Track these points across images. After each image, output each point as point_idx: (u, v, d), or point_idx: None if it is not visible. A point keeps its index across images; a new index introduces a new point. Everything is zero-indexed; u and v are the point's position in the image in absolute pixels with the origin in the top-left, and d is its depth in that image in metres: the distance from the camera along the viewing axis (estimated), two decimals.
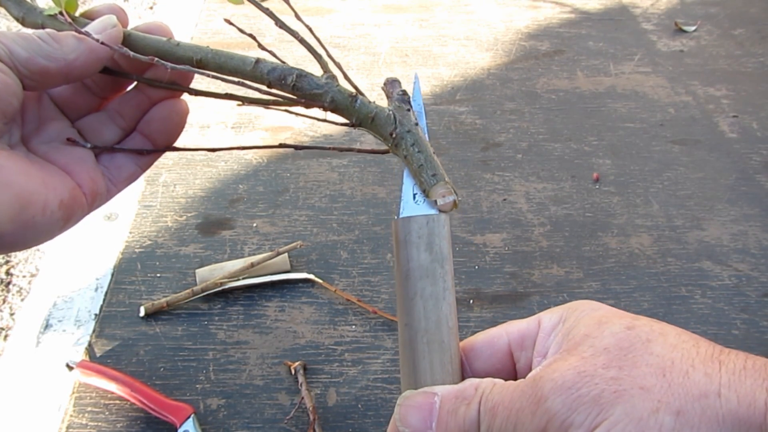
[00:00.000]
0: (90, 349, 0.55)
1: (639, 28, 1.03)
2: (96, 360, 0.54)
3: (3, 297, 1.37)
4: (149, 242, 0.65)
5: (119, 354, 0.55)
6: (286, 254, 0.62)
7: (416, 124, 0.33)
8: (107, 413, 0.51)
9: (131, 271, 0.62)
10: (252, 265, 0.60)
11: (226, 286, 0.59)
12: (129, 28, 0.35)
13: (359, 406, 0.52)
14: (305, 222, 0.67)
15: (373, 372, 0.54)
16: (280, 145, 0.37)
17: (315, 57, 0.35)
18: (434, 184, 0.32)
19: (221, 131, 0.79)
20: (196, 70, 0.34)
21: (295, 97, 0.34)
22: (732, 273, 0.63)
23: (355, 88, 0.34)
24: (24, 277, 1.42)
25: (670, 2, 1.10)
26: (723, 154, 0.78)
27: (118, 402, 0.52)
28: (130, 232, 0.66)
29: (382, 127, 0.33)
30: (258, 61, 0.34)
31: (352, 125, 0.34)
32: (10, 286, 1.40)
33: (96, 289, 0.60)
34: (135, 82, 0.37)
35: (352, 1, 1.06)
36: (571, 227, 0.68)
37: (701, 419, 0.24)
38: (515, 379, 0.30)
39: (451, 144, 0.77)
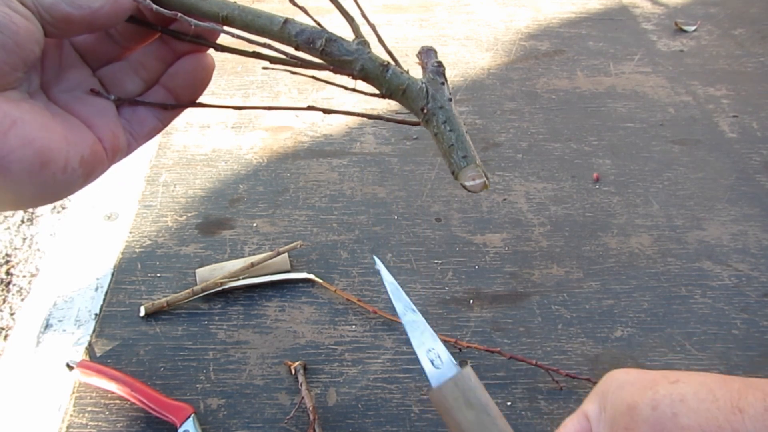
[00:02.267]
0: (90, 349, 0.55)
1: (639, 28, 1.03)
2: (96, 360, 0.54)
3: (3, 297, 1.37)
4: (149, 242, 0.65)
5: (119, 354, 0.55)
6: (286, 254, 0.62)
7: (450, 100, 0.31)
8: (107, 413, 0.51)
9: (131, 270, 0.62)
10: (252, 264, 0.60)
11: (226, 286, 0.59)
12: None
13: (359, 406, 0.52)
14: (305, 222, 0.67)
15: (373, 372, 0.54)
16: (309, 108, 0.34)
17: (347, 20, 0.33)
18: (464, 167, 0.30)
19: (221, 131, 0.79)
20: (220, 28, 0.32)
21: (323, 62, 0.32)
22: (732, 273, 0.63)
23: (390, 55, 0.32)
24: (24, 276, 1.42)
25: (670, 2, 1.10)
26: (723, 154, 0.78)
27: (118, 402, 0.52)
28: (131, 232, 0.66)
29: (413, 101, 0.31)
30: (287, 21, 0.32)
31: (381, 96, 0.32)
32: (11, 286, 1.40)
33: (96, 289, 0.60)
34: (159, 33, 0.35)
35: (352, 1, 1.06)
36: (571, 227, 0.68)
37: None
38: None
39: None
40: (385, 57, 0.32)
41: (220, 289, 0.59)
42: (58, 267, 0.63)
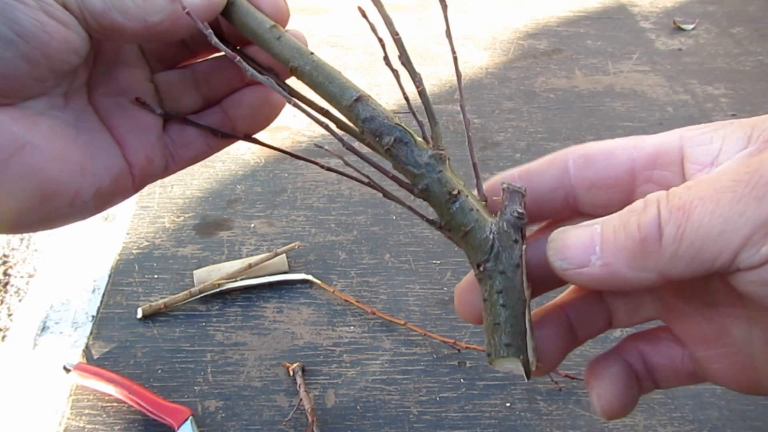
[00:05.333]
0: (87, 351, 0.55)
1: (637, 27, 1.03)
2: (93, 362, 0.54)
3: (1, 298, 1.37)
4: (147, 243, 0.64)
5: (117, 356, 0.55)
6: (284, 255, 0.62)
7: (517, 266, 0.25)
8: (104, 416, 0.51)
9: (128, 272, 0.62)
10: (250, 266, 0.60)
11: (224, 288, 0.59)
12: None
13: (358, 407, 0.52)
14: (303, 222, 0.67)
15: (372, 373, 0.54)
16: (368, 184, 0.30)
17: (430, 118, 0.28)
18: (503, 357, 0.25)
19: None
20: (273, 83, 0.27)
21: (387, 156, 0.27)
22: None
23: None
24: (22, 277, 1.41)
25: (668, 1, 1.10)
26: None
27: (115, 404, 0.51)
28: (128, 234, 0.65)
29: (472, 250, 0.26)
30: (359, 99, 0.27)
31: (438, 227, 0.28)
32: (8, 287, 1.40)
33: (93, 291, 0.60)
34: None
35: (350, 0, 1.05)
36: None
37: None
38: (626, 199, 0.25)
39: (449, 143, 0.77)
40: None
41: (217, 290, 0.59)
42: (55, 268, 0.63)
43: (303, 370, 0.54)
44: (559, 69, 0.92)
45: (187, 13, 0.26)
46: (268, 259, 0.61)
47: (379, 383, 0.53)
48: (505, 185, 0.26)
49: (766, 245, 0.19)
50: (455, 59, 0.29)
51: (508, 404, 0.52)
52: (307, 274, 0.61)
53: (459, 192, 0.26)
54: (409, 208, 0.29)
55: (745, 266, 0.20)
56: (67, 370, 0.52)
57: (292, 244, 0.62)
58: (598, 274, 0.23)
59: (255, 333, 0.57)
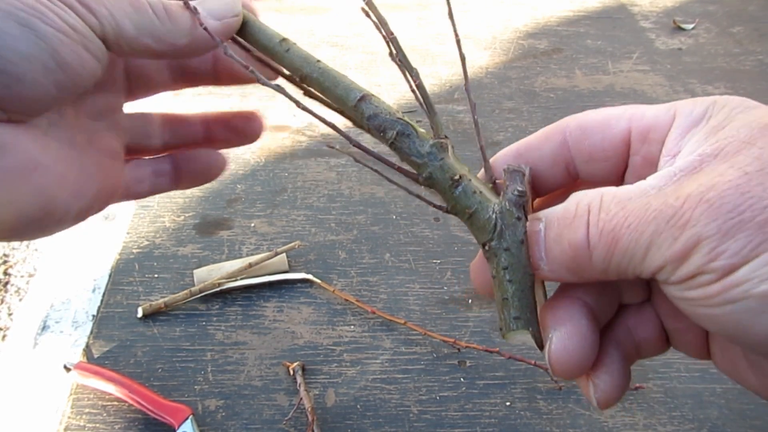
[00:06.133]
0: (87, 351, 0.55)
1: (637, 27, 1.03)
2: (94, 361, 0.54)
3: (1, 297, 1.37)
4: (147, 243, 0.64)
5: (117, 355, 0.55)
6: (284, 254, 0.62)
7: (521, 242, 0.26)
8: (105, 415, 0.51)
9: (129, 271, 0.62)
10: (250, 265, 0.60)
11: (224, 287, 0.59)
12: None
13: (358, 406, 0.52)
14: (303, 222, 0.67)
15: (372, 372, 0.54)
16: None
17: (426, 110, 0.29)
18: (513, 330, 0.26)
19: None
20: (281, 90, 0.29)
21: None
22: None
23: (485, 163, 0.28)
24: (22, 277, 1.41)
25: (668, 0, 1.10)
26: None
27: (115, 403, 0.51)
28: (128, 233, 0.65)
29: (478, 230, 0.27)
30: (363, 98, 0.29)
31: (446, 210, 0.29)
32: (8, 286, 1.40)
33: (93, 290, 0.60)
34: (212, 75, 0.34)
35: (350, 0, 1.05)
36: None
37: None
38: (623, 174, 0.26)
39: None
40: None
41: (218, 289, 0.59)
42: (55, 267, 0.63)
43: (303, 369, 0.54)
44: (559, 68, 0.92)
45: (206, 30, 0.28)
46: (269, 258, 0.61)
47: (379, 382, 0.54)
48: (505, 167, 0.27)
49: (675, 274, 0.21)
50: (462, 59, 0.30)
51: (508, 403, 0.52)
52: (308, 273, 0.61)
53: (461, 177, 0.27)
54: (418, 196, 0.30)
55: (662, 282, 0.23)
56: (68, 369, 0.52)
57: (293, 244, 0.62)
58: (550, 276, 0.25)
59: (255, 332, 0.57)
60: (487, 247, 0.27)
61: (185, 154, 0.35)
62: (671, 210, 0.21)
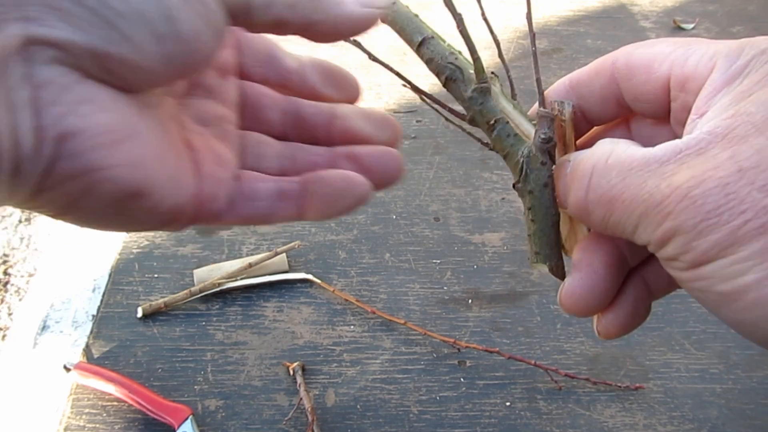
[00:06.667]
0: (87, 351, 0.55)
1: (637, 26, 1.03)
2: (93, 361, 0.54)
3: (1, 297, 1.37)
4: (147, 242, 0.64)
5: (117, 355, 0.55)
6: (284, 254, 0.62)
7: (545, 185, 0.28)
8: (105, 415, 0.51)
9: (129, 271, 0.62)
10: (250, 265, 0.60)
11: (224, 287, 0.59)
12: None
13: (358, 406, 0.52)
14: (303, 222, 0.67)
15: (372, 372, 0.54)
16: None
17: (471, 55, 0.31)
18: (535, 262, 0.29)
19: None
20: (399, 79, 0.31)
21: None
22: None
23: (514, 101, 0.30)
24: (22, 276, 1.41)
25: (668, 0, 1.10)
26: None
27: (115, 403, 0.51)
28: (128, 233, 0.65)
29: (511, 170, 0.29)
30: (423, 42, 0.30)
31: (490, 148, 0.31)
32: (8, 286, 1.40)
33: (93, 290, 0.60)
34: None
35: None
36: None
37: None
38: (668, 115, 0.26)
39: (449, 143, 0.77)
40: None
41: (218, 289, 0.59)
42: (55, 267, 0.63)
43: (303, 369, 0.54)
44: (559, 68, 0.92)
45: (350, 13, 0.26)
46: (269, 258, 0.61)
47: (379, 382, 0.53)
48: (539, 110, 0.28)
49: (658, 253, 0.23)
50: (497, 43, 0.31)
51: (507, 403, 0.52)
52: (307, 273, 0.61)
53: (496, 121, 0.29)
54: (469, 133, 0.33)
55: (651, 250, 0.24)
56: (68, 369, 0.52)
57: (293, 244, 0.62)
58: (574, 215, 0.27)
59: (255, 332, 0.57)
60: (516, 188, 0.29)
61: (316, 175, 0.29)
62: (660, 197, 0.22)
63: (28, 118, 0.20)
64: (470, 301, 0.60)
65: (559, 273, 0.29)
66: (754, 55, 0.23)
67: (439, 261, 0.63)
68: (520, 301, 0.60)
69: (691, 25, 1.03)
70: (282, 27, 0.25)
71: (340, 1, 0.26)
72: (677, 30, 1.02)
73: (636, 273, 0.29)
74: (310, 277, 0.61)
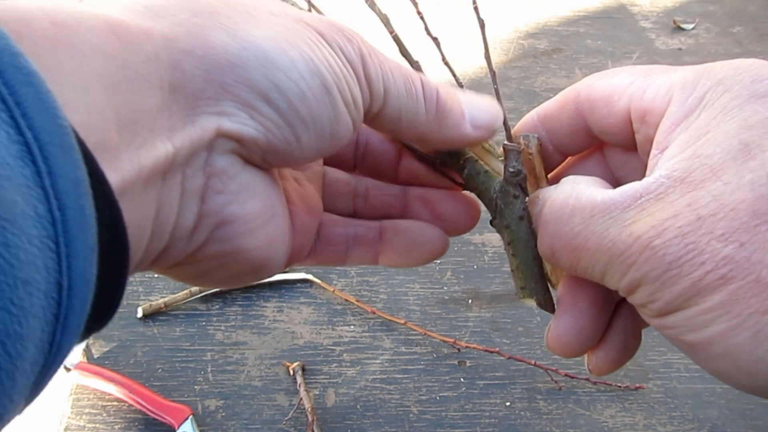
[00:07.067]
0: (87, 351, 0.55)
1: (637, 26, 1.03)
2: (94, 361, 0.54)
3: None
4: None
5: (117, 355, 0.55)
6: None
7: (521, 219, 0.27)
8: (105, 415, 0.51)
9: None
10: None
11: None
12: None
13: (358, 406, 0.52)
14: None
15: (372, 372, 0.54)
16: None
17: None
18: (521, 299, 0.28)
19: None
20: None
21: None
22: None
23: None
24: None
25: (668, 0, 1.10)
26: None
27: (115, 403, 0.51)
28: None
29: (486, 207, 0.29)
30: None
31: (463, 188, 0.30)
32: None
33: None
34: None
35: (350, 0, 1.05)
36: None
37: None
38: (634, 142, 0.26)
39: None
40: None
41: (218, 289, 0.59)
42: None
43: (303, 370, 0.54)
44: (559, 68, 0.92)
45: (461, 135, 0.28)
46: None
47: (379, 382, 0.54)
48: (504, 143, 0.28)
49: (628, 299, 0.24)
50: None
51: (507, 403, 0.52)
52: (307, 273, 0.61)
53: (465, 160, 0.29)
54: (442, 174, 0.31)
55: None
56: (68, 370, 0.52)
57: None
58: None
59: (255, 332, 0.57)
60: (493, 225, 0.28)
61: (393, 223, 0.30)
62: (623, 246, 0.22)
63: (195, 204, 0.21)
64: (470, 301, 0.60)
65: (548, 306, 0.29)
66: (710, 87, 0.23)
67: (439, 261, 0.63)
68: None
69: (691, 25, 1.03)
70: (396, 136, 0.28)
71: (459, 123, 0.27)
72: (677, 30, 1.02)
73: (624, 303, 0.28)
74: (310, 277, 0.61)
